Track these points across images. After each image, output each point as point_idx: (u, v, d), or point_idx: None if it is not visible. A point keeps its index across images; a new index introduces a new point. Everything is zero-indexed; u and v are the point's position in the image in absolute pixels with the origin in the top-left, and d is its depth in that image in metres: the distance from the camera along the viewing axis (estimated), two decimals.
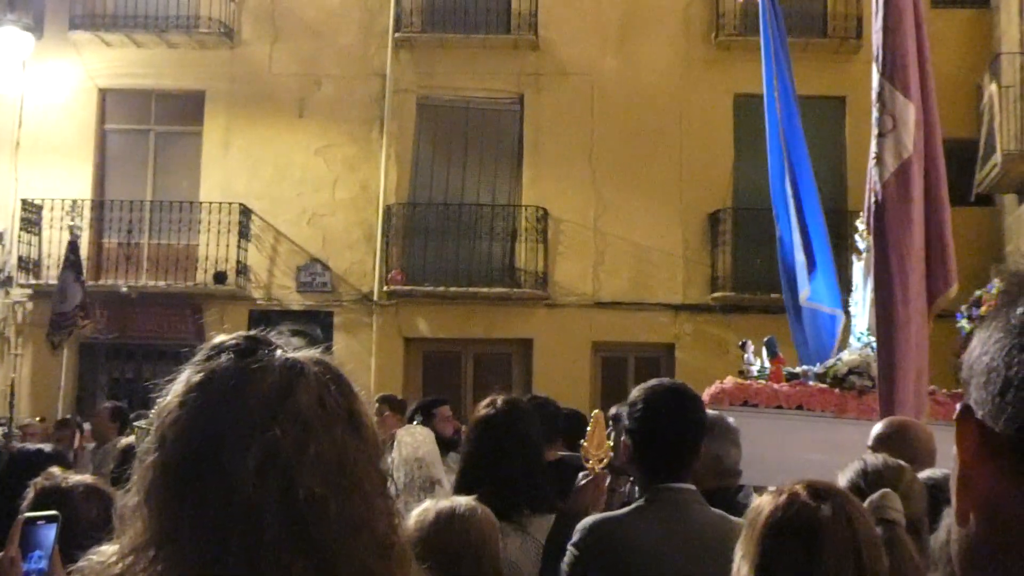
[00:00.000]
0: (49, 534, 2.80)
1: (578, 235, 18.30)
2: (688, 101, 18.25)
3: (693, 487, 3.43)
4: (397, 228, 18.44)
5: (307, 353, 1.44)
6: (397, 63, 18.70)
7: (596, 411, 4.07)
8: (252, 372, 1.38)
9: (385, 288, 18.24)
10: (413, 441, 4.52)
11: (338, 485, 1.35)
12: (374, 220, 18.49)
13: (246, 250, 18.45)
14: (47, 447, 5.15)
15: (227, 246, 18.11)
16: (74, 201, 18.00)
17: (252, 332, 1.46)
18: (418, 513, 3.01)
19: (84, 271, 14.44)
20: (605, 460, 3.84)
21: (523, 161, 18.74)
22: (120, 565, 1.34)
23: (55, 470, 3.31)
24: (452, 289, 18.00)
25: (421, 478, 4.48)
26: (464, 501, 3.07)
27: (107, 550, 1.36)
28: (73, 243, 14.08)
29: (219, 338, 1.44)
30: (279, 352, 1.42)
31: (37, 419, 13.70)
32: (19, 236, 18.10)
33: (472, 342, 18.37)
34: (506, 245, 18.62)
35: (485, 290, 18.07)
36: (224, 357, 1.40)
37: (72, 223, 14.66)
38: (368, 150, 18.65)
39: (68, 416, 11.92)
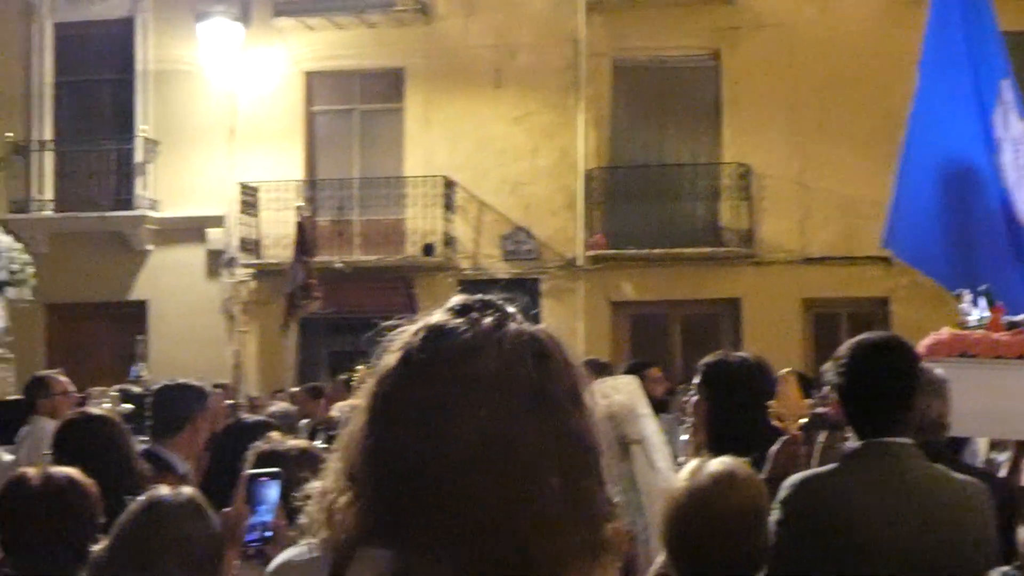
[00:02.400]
0: (272, 490, 2.97)
1: (782, 190, 17.90)
2: (890, 46, 17.52)
3: (909, 441, 3.30)
4: (598, 192, 18.44)
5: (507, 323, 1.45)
6: (591, 27, 18.63)
7: (785, 371, 3.95)
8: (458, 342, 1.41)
9: (588, 253, 18.28)
10: (602, 398, 4.13)
11: (492, 459, 1.33)
12: (575, 186, 18.54)
13: (452, 221, 18.79)
14: (271, 419, 5.43)
15: (433, 218, 18.49)
16: (296, 182, 18.57)
17: (466, 298, 1.48)
18: (690, 473, 2.96)
19: (309, 250, 14.45)
20: (801, 420, 3.73)
21: (722, 118, 18.43)
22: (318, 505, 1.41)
23: (274, 435, 3.49)
24: (656, 251, 17.88)
25: (614, 438, 4.08)
26: (736, 462, 2.98)
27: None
28: (300, 224, 14.20)
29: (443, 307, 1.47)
30: (486, 320, 1.43)
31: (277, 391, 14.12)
32: (239, 219, 18.92)
33: (678, 304, 18.24)
34: (709, 204, 18.38)
35: (690, 251, 17.89)
36: (427, 328, 1.44)
37: (299, 204, 14.92)
38: (566, 116, 18.68)
39: (315, 385, 12.32)
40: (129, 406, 7.85)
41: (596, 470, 1.40)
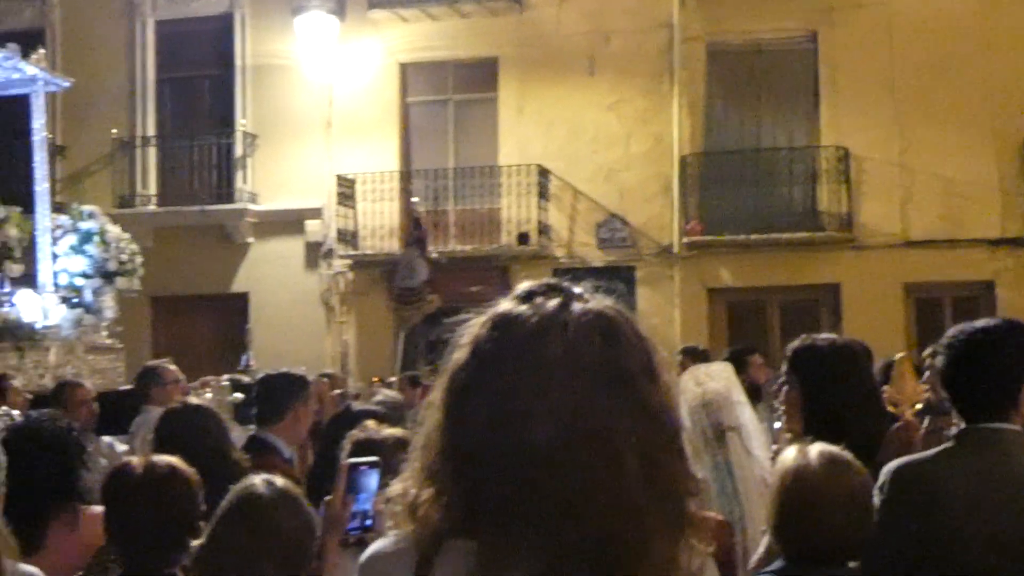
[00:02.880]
0: (372, 478, 3.01)
1: (882, 172, 17.56)
2: (994, 23, 17.12)
3: (1016, 427, 3.24)
4: (693, 178, 18.29)
5: (583, 303, 1.44)
6: (684, 11, 18.46)
7: (900, 355, 3.87)
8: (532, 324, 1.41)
9: (684, 240, 18.15)
10: (696, 385, 3.96)
11: (567, 443, 1.32)
12: (670, 172, 18.41)
13: (546, 210, 18.80)
14: (379, 408, 5.50)
15: (528, 207, 18.52)
16: (398, 172, 18.71)
17: (531, 284, 1.49)
18: (793, 457, 2.94)
19: (427, 246, 14.38)
20: (916, 406, 3.66)
21: (820, 100, 18.15)
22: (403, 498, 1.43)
23: (371, 423, 3.53)
24: (753, 237, 17.68)
25: (709, 425, 3.99)
26: (835, 448, 2.95)
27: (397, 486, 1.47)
28: (416, 219, 14.17)
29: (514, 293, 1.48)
30: (550, 303, 1.43)
31: (375, 379, 14.26)
32: (336, 210, 19.15)
33: (776, 290, 18.02)
34: (806, 188, 18.12)
35: (787, 236, 17.65)
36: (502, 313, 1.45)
37: (414, 199, 14.95)
38: (660, 102, 18.56)
39: (412, 374, 12.44)
40: (240, 395, 8.00)
41: (675, 445, 1.39)
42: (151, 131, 20.14)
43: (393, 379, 13.25)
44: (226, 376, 8.11)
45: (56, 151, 19.63)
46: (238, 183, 19.66)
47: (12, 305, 10.44)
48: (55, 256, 11.11)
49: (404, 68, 19.68)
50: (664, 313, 17.37)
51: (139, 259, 11.64)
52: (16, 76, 11.40)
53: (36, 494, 3.10)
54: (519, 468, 1.33)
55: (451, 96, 19.70)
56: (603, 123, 18.63)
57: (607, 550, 1.31)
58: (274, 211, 19.39)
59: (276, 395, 5.27)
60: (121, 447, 7.17)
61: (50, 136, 19.60)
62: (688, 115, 18.46)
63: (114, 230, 11.35)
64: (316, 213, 19.39)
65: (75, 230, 11.15)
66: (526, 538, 1.32)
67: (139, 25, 20.09)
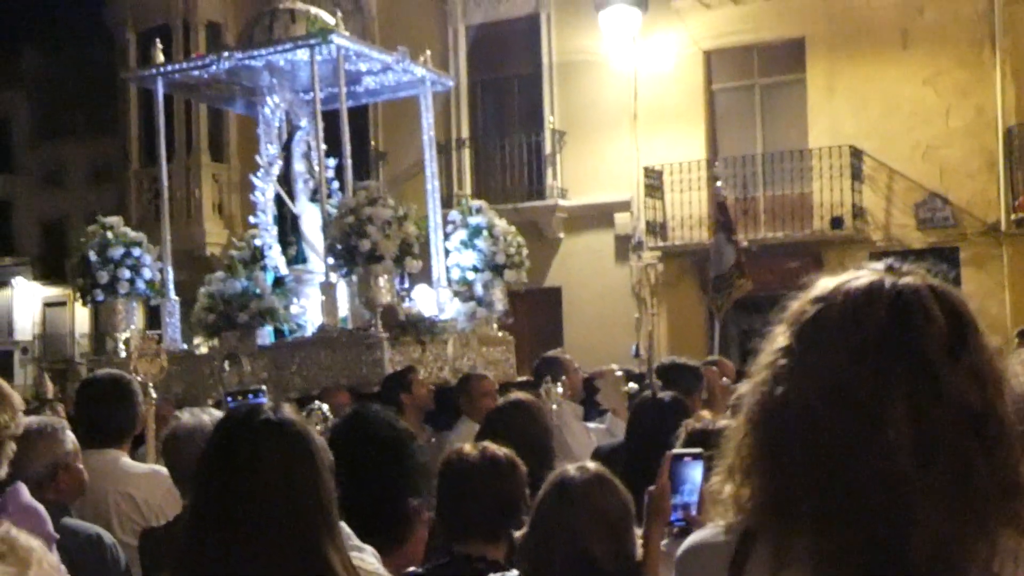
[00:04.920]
0: (696, 470, 3.01)
1: None
2: None
3: None
4: (1020, 151, 17.20)
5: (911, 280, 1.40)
6: None
7: None
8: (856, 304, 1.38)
9: (1013, 216, 17.11)
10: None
11: (870, 438, 1.28)
12: (994, 146, 17.40)
13: (860, 192, 18.18)
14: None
15: (840, 190, 17.97)
16: (705, 161, 18.61)
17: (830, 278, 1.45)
18: None
19: (735, 230, 14.30)
20: None
21: None
22: (724, 488, 1.43)
23: (705, 413, 3.55)
24: None
25: None
26: None
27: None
28: (721, 204, 14.09)
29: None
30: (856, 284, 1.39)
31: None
32: (644, 202, 19.23)
33: None
34: None
35: None
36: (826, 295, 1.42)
37: (718, 184, 14.89)
38: (981, 72, 17.55)
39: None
40: (634, 385, 8.13)
41: (1000, 436, 1.32)
42: (465, 133, 20.86)
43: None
44: (616, 367, 8.19)
45: (379, 157, 20.70)
46: (548, 180, 20.07)
47: (412, 300, 10.97)
48: (447, 251, 11.57)
49: (708, 55, 19.53)
50: (993, 295, 16.44)
51: (525, 251, 11.95)
52: (406, 78, 11.91)
53: (391, 490, 3.22)
54: (828, 462, 1.31)
55: (757, 80, 19.39)
56: (919, 98, 17.82)
57: (920, 548, 1.28)
58: (584, 206, 19.68)
59: (675, 385, 5.40)
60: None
61: (373, 143, 20.77)
62: (1012, 83, 17.38)
63: (501, 224, 11.73)
64: (625, 206, 19.55)
65: (465, 225, 11.58)
66: (840, 533, 1.29)
67: (451, 31, 20.85)
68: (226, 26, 21.97)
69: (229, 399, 4.55)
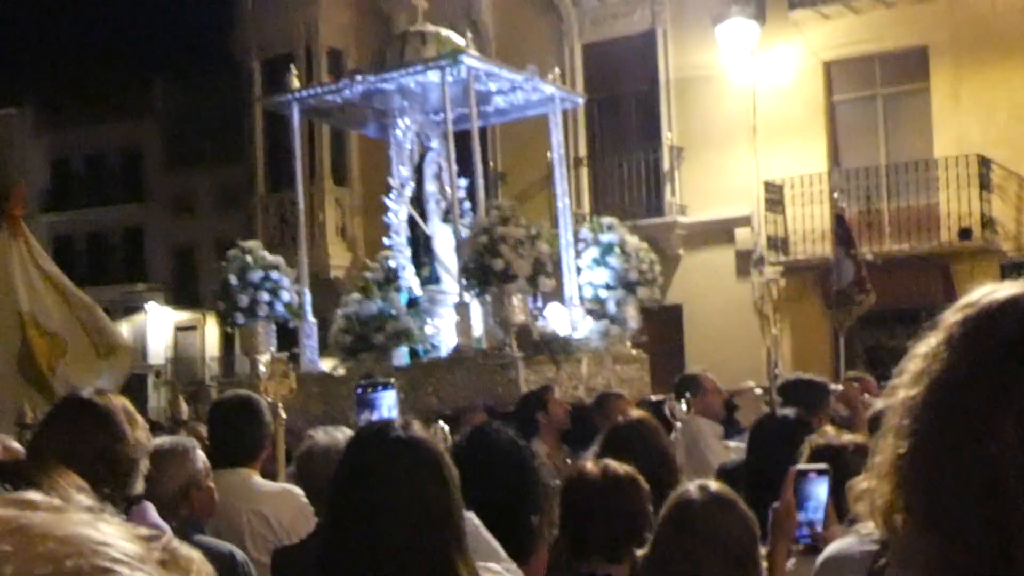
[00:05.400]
0: (821, 487, 2.97)
1: None
2: None
3: None
4: None
5: None
6: None
7: None
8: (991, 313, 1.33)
9: None
10: None
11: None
12: None
13: (989, 202, 17.72)
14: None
15: (968, 200, 17.54)
16: (832, 172, 18.32)
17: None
18: None
19: (855, 243, 14.07)
20: None
21: None
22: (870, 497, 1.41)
23: (829, 429, 3.52)
24: None
25: None
26: None
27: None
28: (840, 216, 13.85)
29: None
30: None
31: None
32: (765, 217, 19.02)
33: None
34: None
35: None
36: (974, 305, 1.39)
37: (836, 196, 14.65)
38: None
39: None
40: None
41: None
42: (583, 151, 20.90)
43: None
44: (755, 385, 8.09)
45: (498, 177, 20.85)
46: (667, 196, 20.00)
47: (545, 319, 10.97)
48: (579, 269, 11.57)
49: (828, 66, 19.27)
50: None
51: (658, 268, 11.89)
52: (535, 97, 11.90)
53: (512, 507, 3.25)
54: (971, 473, 1.29)
55: (879, 90, 19.07)
56: None
57: None
58: (703, 222, 19.55)
59: (799, 401, 5.41)
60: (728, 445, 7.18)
61: (491, 164, 20.94)
62: None
63: (632, 240, 11.68)
64: (745, 221, 19.36)
65: (596, 243, 11.56)
66: (979, 542, 1.27)
67: (567, 49, 20.94)
68: (347, 52, 22.43)
69: (359, 389, 4.61)
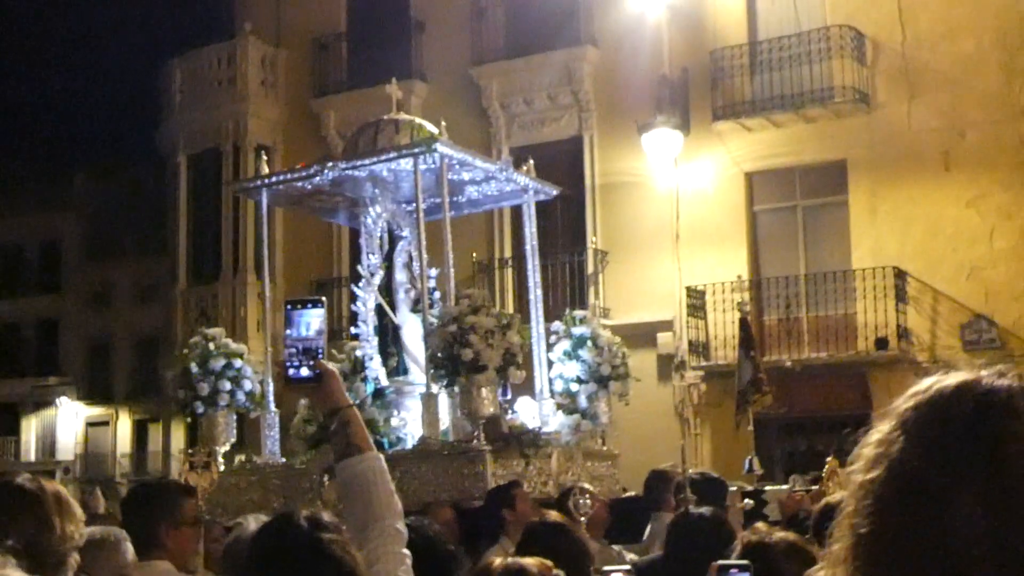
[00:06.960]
0: None
1: None
2: None
3: None
4: None
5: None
6: None
7: None
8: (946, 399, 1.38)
9: None
10: None
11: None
12: None
13: (905, 313, 18.10)
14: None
15: (885, 311, 17.90)
16: (738, 277, 18.70)
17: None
18: None
19: (754, 345, 14.33)
20: None
21: None
22: None
23: (761, 525, 3.50)
24: None
25: None
26: None
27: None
28: (742, 320, 14.15)
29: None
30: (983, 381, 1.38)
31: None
32: (687, 322, 19.21)
33: None
34: None
35: None
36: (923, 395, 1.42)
37: (740, 301, 14.95)
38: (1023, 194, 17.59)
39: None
40: (750, 501, 7.98)
41: None
42: (507, 253, 21.02)
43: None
44: (732, 484, 7.99)
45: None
46: (591, 299, 20.12)
47: (515, 412, 10.71)
48: (550, 362, 11.31)
49: (750, 177, 19.70)
50: None
51: (631, 363, 11.75)
52: (509, 188, 11.82)
53: None
54: (945, 565, 1.29)
55: (799, 201, 19.51)
56: (963, 219, 17.84)
57: None
58: (626, 325, 19.61)
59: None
60: (630, 556, 7.05)
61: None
62: None
63: (605, 334, 11.53)
64: (667, 326, 19.54)
65: (568, 335, 11.40)
66: None
67: (495, 152, 21.15)
68: (275, 149, 22.43)
69: (287, 305, 4.19)
